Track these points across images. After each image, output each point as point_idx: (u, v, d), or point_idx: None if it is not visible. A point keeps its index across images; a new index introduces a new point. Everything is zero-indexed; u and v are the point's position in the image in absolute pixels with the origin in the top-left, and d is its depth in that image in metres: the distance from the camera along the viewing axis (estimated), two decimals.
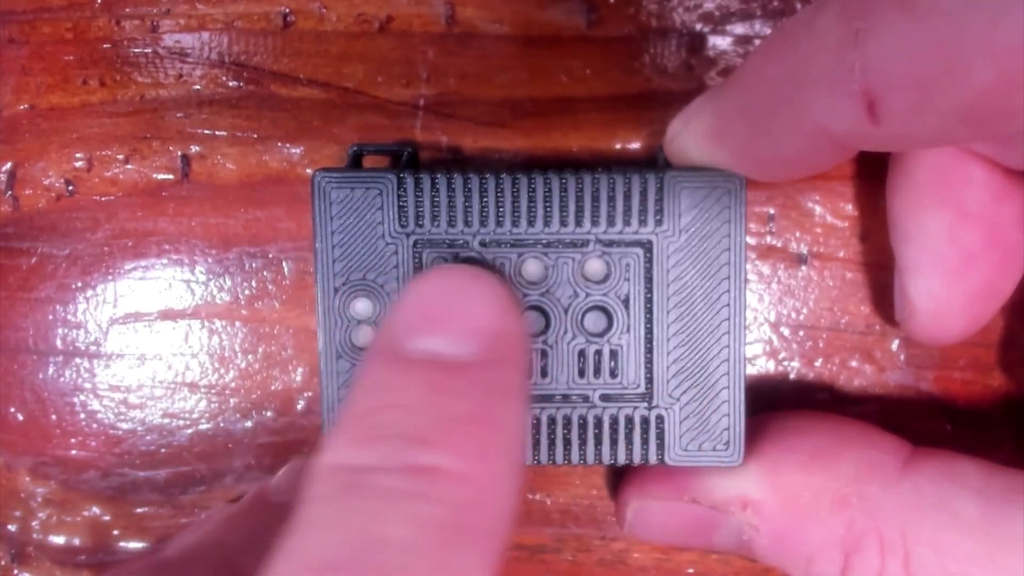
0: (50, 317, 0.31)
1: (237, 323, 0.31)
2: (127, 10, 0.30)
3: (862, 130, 0.20)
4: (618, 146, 0.30)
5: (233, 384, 0.31)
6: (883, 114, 0.19)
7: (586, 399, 0.26)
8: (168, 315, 0.31)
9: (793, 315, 0.30)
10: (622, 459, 0.27)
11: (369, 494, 0.21)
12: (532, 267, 0.26)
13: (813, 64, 0.20)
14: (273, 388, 0.31)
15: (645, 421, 0.26)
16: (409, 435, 0.21)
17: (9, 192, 0.31)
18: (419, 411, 0.22)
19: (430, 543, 0.20)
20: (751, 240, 0.30)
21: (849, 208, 0.30)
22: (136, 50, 0.30)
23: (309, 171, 0.30)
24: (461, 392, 0.22)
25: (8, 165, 0.31)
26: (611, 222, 0.26)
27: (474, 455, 0.22)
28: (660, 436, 0.26)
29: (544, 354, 0.26)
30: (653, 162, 0.29)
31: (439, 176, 0.26)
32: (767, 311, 0.30)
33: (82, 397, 0.31)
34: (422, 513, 0.20)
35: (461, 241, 0.26)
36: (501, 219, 0.26)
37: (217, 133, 0.30)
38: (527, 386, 0.25)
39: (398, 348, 0.23)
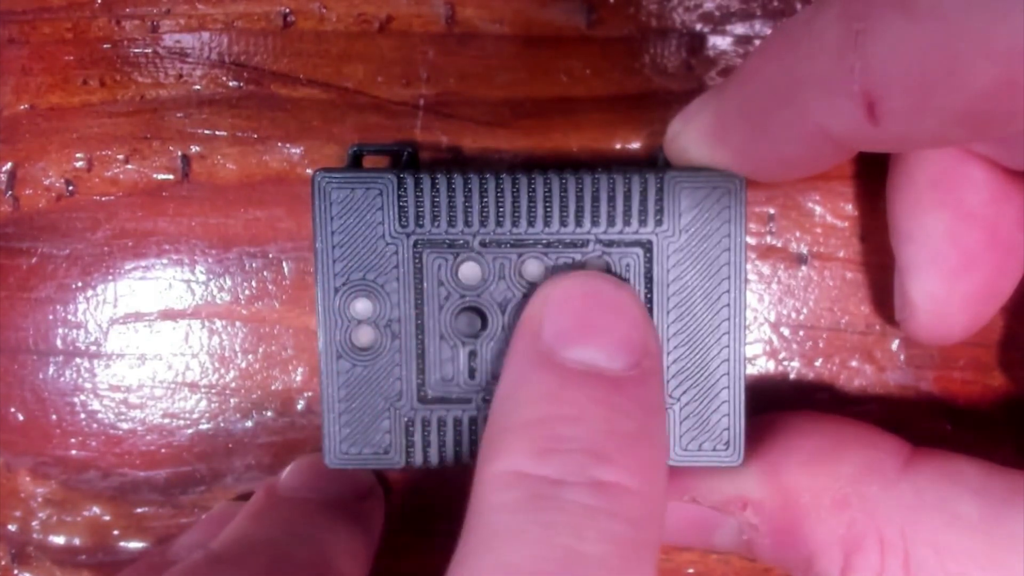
0: (50, 317, 0.31)
1: (237, 323, 0.31)
2: (127, 10, 0.30)
3: (862, 131, 0.20)
4: (618, 146, 0.30)
5: (233, 384, 0.31)
6: (883, 115, 0.19)
7: None
8: (168, 315, 0.31)
9: (793, 315, 0.30)
10: None
11: (563, 508, 0.22)
12: (532, 267, 0.26)
13: (813, 65, 0.20)
14: (273, 388, 0.31)
15: None
16: (589, 450, 0.22)
17: (9, 192, 0.31)
18: (592, 425, 0.23)
19: (620, 558, 0.21)
20: (751, 240, 0.30)
21: (849, 208, 0.30)
22: (136, 50, 0.30)
23: (309, 171, 0.30)
24: (626, 408, 0.23)
25: (8, 165, 0.31)
26: (611, 222, 0.26)
27: (644, 471, 0.23)
28: None
29: None
30: (653, 162, 0.29)
31: (439, 176, 0.26)
32: (767, 311, 0.30)
33: (82, 397, 0.31)
34: (613, 530, 0.21)
35: (461, 241, 0.26)
36: (501, 219, 0.26)
37: (217, 133, 0.30)
38: (664, 396, 0.26)
39: (554, 355, 0.24)
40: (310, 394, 0.31)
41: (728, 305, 0.26)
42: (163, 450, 0.31)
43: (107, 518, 0.32)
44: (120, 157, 0.31)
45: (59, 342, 0.31)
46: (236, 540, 0.27)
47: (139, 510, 0.32)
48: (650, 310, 0.26)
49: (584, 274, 0.26)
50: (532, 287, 0.26)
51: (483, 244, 0.26)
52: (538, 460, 0.22)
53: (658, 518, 0.23)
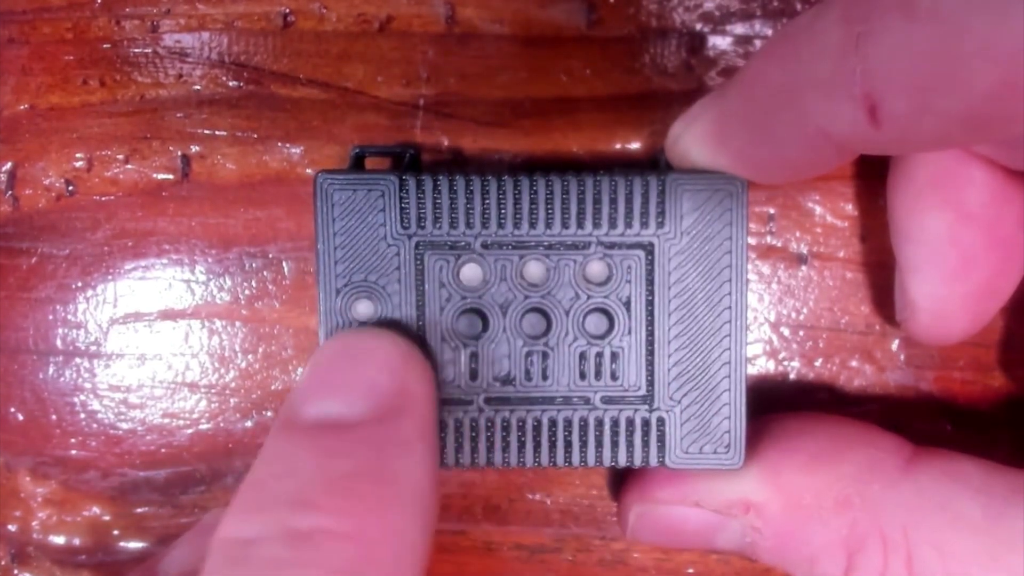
0: (50, 317, 0.31)
1: (237, 323, 0.31)
2: (127, 10, 0.30)
3: (863, 134, 0.20)
4: (618, 146, 0.30)
5: (233, 384, 0.31)
6: (884, 118, 0.19)
7: (587, 401, 0.26)
8: (168, 315, 0.31)
9: (793, 315, 0.30)
10: (623, 462, 0.27)
11: (251, 566, 0.20)
12: (533, 269, 0.26)
13: (814, 68, 0.20)
14: (273, 388, 0.31)
15: (646, 424, 0.26)
16: (292, 500, 0.21)
17: (9, 192, 0.31)
18: (303, 475, 0.22)
19: None
20: (751, 240, 0.30)
21: (849, 208, 0.30)
22: (136, 50, 0.30)
23: (309, 171, 0.30)
24: (348, 451, 0.22)
25: (8, 165, 0.31)
26: (613, 224, 0.26)
27: (360, 512, 0.21)
28: (661, 439, 0.26)
29: (545, 356, 0.26)
30: (654, 163, 0.29)
31: (441, 178, 0.26)
32: (767, 311, 0.30)
33: (82, 397, 0.31)
34: None
35: (463, 243, 0.26)
36: (503, 221, 0.26)
37: (217, 133, 0.30)
38: (431, 438, 0.25)
39: (293, 417, 0.23)
40: None
41: (729, 308, 0.26)
42: (163, 450, 0.31)
43: (107, 518, 0.32)
44: (120, 157, 0.31)
45: (59, 342, 0.31)
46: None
47: (139, 510, 0.32)
48: (651, 312, 0.26)
49: (342, 332, 0.26)
50: (533, 289, 0.26)
51: (485, 246, 0.26)
52: (240, 522, 0.21)
53: (393, 558, 0.22)
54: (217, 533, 0.22)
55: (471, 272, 0.26)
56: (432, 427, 0.25)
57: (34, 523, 0.32)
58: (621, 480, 0.30)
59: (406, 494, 0.23)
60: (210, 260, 0.31)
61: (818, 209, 0.30)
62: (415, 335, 0.26)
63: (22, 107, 0.31)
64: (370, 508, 0.22)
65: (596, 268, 0.26)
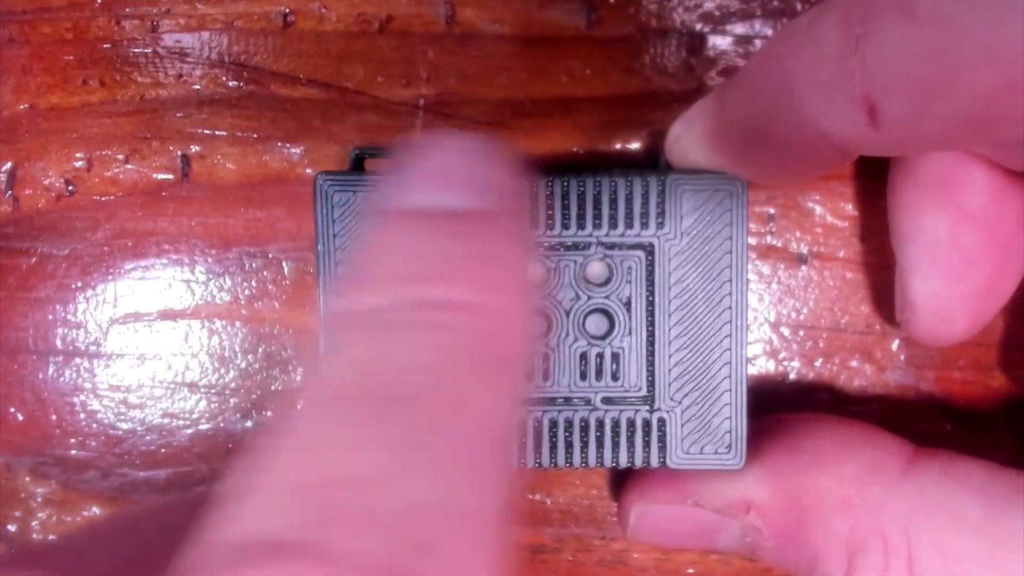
0: (50, 317, 0.31)
1: (237, 323, 0.31)
2: (127, 10, 0.30)
3: (862, 136, 0.20)
4: (618, 146, 0.30)
5: (233, 384, 0.31)
6: (883, 120, 0.19)
7: (588, 402, 0.26)
8: (168, 315, 0.31)
9: (793, 315, 0.30)
10: (624, 462, 0.27)
11: (381, 328, 0.20)
12: (534, 270, 0.26)
13: (813, 69, 0.20)
14: (273, 388, 0.31)
15: (647, 424, 0.26)
16: (416, 275, 0.21)
17: (9, 192, 0.31)
18: (423, 255, 0.21)
19: (453, 367, 0.20)
20: (751, 240, 0.30)
21: (849, 208, 0.30)
22: (136, 50, 0.30)
23: (309, 171, 0.30)
24: (465, 234, 0.22)
25: (8, 165, 0.31)
26: (613, 225, 0.26)
27: (484, 288, 0.21)
28: (662, 439, 0.26)
29: (546, 357, 0.26)
30: (654, 163, 0.29)
31: None
32: (767, 311, 0.30)
33: (82, 397, 0.31)
34: (447, 340, 0.20)
35: None
36: None
37: (217, 133, 0.30)
38: (529, 237, 0.24)
39: (396, 206, 0.22)
40: None
41: (730, 308, 0.26)
42: (163, 450, 0.31)
43: None
44: (120, 157, 0.31)
45: (59, 342, 0.31)
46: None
47: None
48: (652, 313, 0.26)
49: (442, 136, 0.24)
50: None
51: None
52: (359, 296, 0.21)
53: (514, 336, 0.21)
54: (329, 308, 0.22)
55: None
56: (528, 228, 0.25)
57: (34, 523, 0.32)
58: (621, 480, 0.30)
59: (519, 279, 0.22)
60: (210, 260, 0.31)
61: (818, 209, 0.30)
62: None
63: (22, 107, 0.31)
64: (491, 286, 0.21)
65: (596, 269, 0.26)
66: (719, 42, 0.30)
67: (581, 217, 0.26)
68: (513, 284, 0.22)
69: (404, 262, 0.21)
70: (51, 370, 0.31)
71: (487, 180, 0.22)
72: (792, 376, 0.31)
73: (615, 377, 0.26)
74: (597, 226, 0.26)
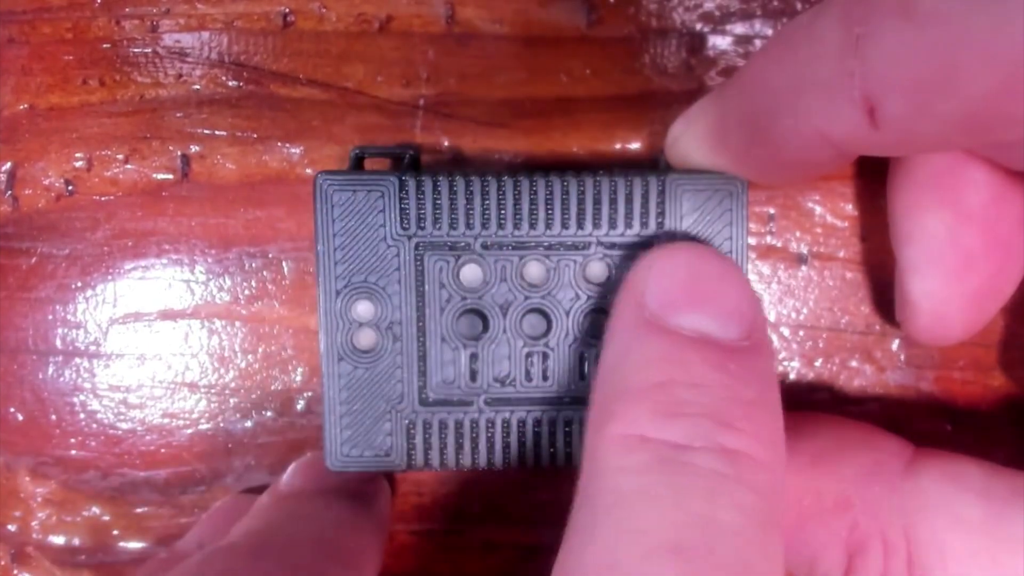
0: (50, 317, 0.31)
1: (237, 323, 0.31)
2: (127, 10, 0.30)
3: (862, 135, 0.20)
4: (618, 146, 0.30)
5: (233, 384, 0.31)
6: (883, 120, 0.19)
7: (587, 402, 0.26)
8: (168, 315, 0.31)
9: (793, 315, 0.30)
10: None
11: (694, 474, 0.21)
12: (534, 269, 0.26)
13: (813, 69, 0.20)
14: (273, 388, 0.31)
15: None
16: (713, 415, 0.22)
17: (9, 192, 0.31)
18: (714, 392, 0.22)
19: (752, 529, 0.21)
20: (751, 240, 0.30)
21: (849, 208, 0.30)
22: (136, 50, 0.30)
23: (309, 171, 0.30)
24: (743, 377, 0.23)
25: (8, 165, 0.31)
26: (613, 224, 0.26)
27: (768, 441, 0.22)
28: None
29: (545, 357, 0.26)
30: (654, 163, 0.29)
31: (440, 178, 0.26)
32: (767, 311, 0.30)
33: (82, 397, 0.31)
34: (745, 500, 0.21)
35: (463, 243, 0.26)
36: (503, 221, 0.26)
37: (217, 133, 0.30)
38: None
39: (664, 322, 0.23)
40: (310, 394, 0.31)
41: None
42: (163, 450, 0.31)
43: (107, 518, 0.32)
44: (120, 157, 0.31)
45: (59, 342, 0.31)
46: (246, 533, 0.27)
47: (139, 510, 0.32)
48: None
49: (689, 244, 0.25)
50: (533, 289, 0.26)
51: (484, 246, 0.26)
52: (662, 423, 0.21)
53: (782, 493, 0.23)
54: (620, 426, 0.22)
55: (471, 273, 0.26)
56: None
57: (34, 523, 0.32)
58: None
59: (782, 428, 0.23)
60: (210, 260, 0.31)
61: (818, 209, 0.30)
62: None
63: (22, 107, 0.31)
64: (772, 439, 0.22)
65: (596, 268, 0.26)
66: (719, 42, 0.30)
67: (581, 217, 0.26)
68: (781, 437, 0.23)
69: (696, 394, 0.22)
70: (51, 370, 0.31)
71: (742, 306, 0.24)
72: (792, 376, 0.31)
73: None
74: (597, 226, 0.26)
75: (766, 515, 0.21)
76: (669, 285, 0.24)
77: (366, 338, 0.26)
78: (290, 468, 0.30)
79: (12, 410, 0.31)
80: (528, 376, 0.26)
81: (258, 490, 0.31)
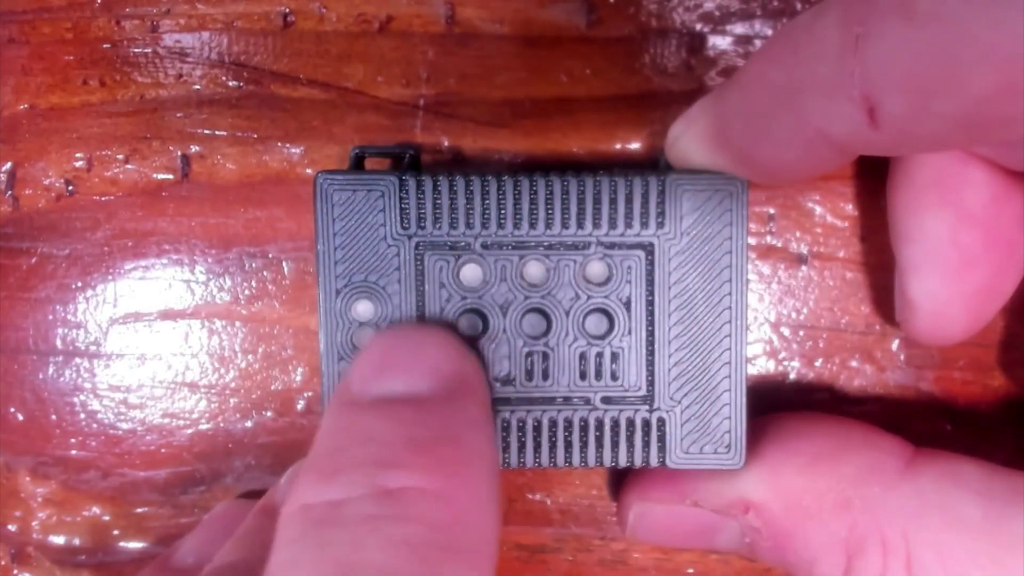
0: (50, 317, 0.31)
1: (237, 323, 0.31)
2: (127, 10, 0.30)
3: (862, 135, 0.20)
4: (618, 146, 0.30)
5: (233, 384, 0.31)
6: (883, 119, 0.19)
7: (587, 401, 0.26)
8: (168, 315, 0.31)
9: (793, 315, 0.30)
10: (623, 462, 0.27)
11: (342, 525, 0.20)
12: (534, 269, 0.26)
13: (813, 69, 0.20)
14: (273, 388, 0.31)
15: (646, 424, 0.26)
16: (377, 462, 0.21)
17: (9, 192, 0.31)
18: (383, 439, 0.22)
19: (412, 563, 0.20)
20: (751, 240, 0.30)
21: (849, 208, 0.30)
22: (136, 50, 0.30)
23: (309, 171, 0.30)
24: (423, 421, 0.23)
25: (8, 165, 0.31)
26: (613, 224, 0.26)
27: (446, 473, 0.22)
28: (661, 439, 0.26)
29: (545, 356, 0.26)
30: (654, 163, 0.29)
31: (441, 178, 0.26)
32: (767, 311, 0.30)
33: (82, 397, 0.31)
34: (399, 534, 0.20)
35: (463, 243, 0.26)
36: (503, 221, 0.26)
37: (217, 133, 0.30)
38: (492, 424, 0.25)
39: (353, 398, 0.24)
40: (310, 394, 0.31)
41: (729, 308, 0.26)
42: (163, 450, 0.31)
43: (107, 518, 0.32)
44: (120, 157, 0.31)
45: (59, 342, 0.31)
46: (219, 570, 0.27)
47: (139, 510, 0.32)
48: (651, 312, 0.26)
49: (395, 325, 0.26)
50: (533, 289, 0.26)
51: (484, 246, 0.26)
52: (322, 487, 0.21)
53: (478, 522, 0.22)
54: (290, 504, 0.22)
55: (471, 272, 0.26)
56: (491, 412, 0.25)
57: (34, 523, 0.32)
58: (621, 480, 0.30)
59: (482, 463, 0.23)
60: (210, 260, 0.31)
61: (818, 209, 0.30)
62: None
63: (22, 107, 0.31)
64: (454, 471, 0.22)
65: (596, 268, 0.26)
66: (719, 42, 0.30)
67: (581, 217, 0.26)
68: (477, 470, 0.22)
69: (362, 449, 0.22)
70: (51, 370, 0.31)
71: (437, 363, 0.24)
72: (792, 376, 0.31)
73: (615, 377, 0.26)
74: (597, 226, 0.26)
75: (440, 545, 0.21)
76: (365, 365, 0.24)
77: (366, 338, 0.26)
78: (286, 476, 0.30)
79: (12, 410, 0.32)
80: (528, 376, 0.26)
81: (257, 494, 0.31)
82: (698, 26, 0.30)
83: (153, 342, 0.31)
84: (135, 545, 0.32)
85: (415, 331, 0.25)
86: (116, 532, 0.32)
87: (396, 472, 0.21)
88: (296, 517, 0.21)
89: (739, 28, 0.30)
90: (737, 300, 0.26)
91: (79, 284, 0.31)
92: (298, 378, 0.31)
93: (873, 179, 0.30)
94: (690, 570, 0.31)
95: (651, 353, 0.26)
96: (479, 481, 0.22)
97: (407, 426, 0.22)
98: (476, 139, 0.30)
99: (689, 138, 0.25)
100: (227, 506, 0.31)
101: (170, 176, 0.30)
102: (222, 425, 0.31)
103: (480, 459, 0.23)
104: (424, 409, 0.23)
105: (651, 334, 0.26)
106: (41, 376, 0.31)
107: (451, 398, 0.24)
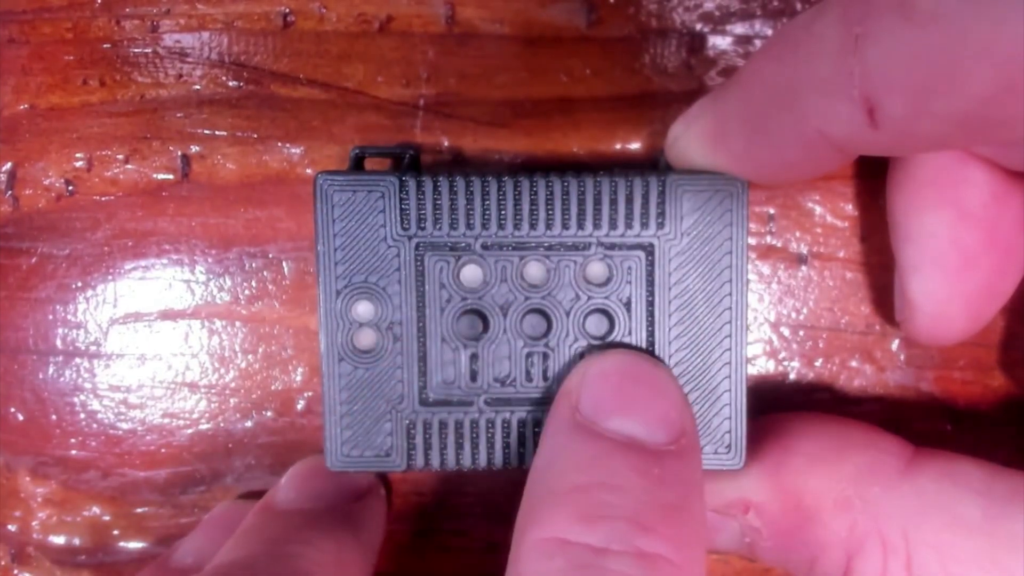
0: (50, 317, 0.31)
1: (237, 323, 0.31)
2: (127, 10, 0.30)
3: (862, 135, 0.20)
4: (618, 146, 0.30)
5: (233, 384, 0.31)
6: (883, 119, 0.19)
7: None
8: (168, 315, 0.31)
9: (793, 315, 0.30)
10: None
11: (603, 574, 0.21)
12: (534, 270, 0.26)
13: (813, 69, 0.20)
14: (273, 388, 0.31)
15: None
16: (632, 519, 0.22)
17: (9, 192, 0.31)
18: (635, 495, 0.23)
19: None
20: (751, 240, 0.30)
21: (849, 208, 0.30)
22: (136, 50, 0.30)
23: (309, 171, 0.30)
24: (666, 481, 0.23)
25: (8, 165, 0.31)
26: (613, 225, 0.26)
27: (684, 545, 0.23)
28: None
29: (546, 357, 0.26)
30: (654, 163, 0.29)
31: (441, 178, 0.26)
32: (767, 311, 0.30)
33: (82, 397, 0.31)
34: None
35: (463, 244, 0.26)
36: (503, 222, 0.26)
37: (217, 133, 0.30)
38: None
39: (593, 426, 0.24)
40: (310, 394, 0.31)
41: (730, 308, 0.26)
42: (163, 450, 0.31)
43: (107, 518, 0.32)
44: (120, 157, 0.31)
45: (59, 342, 0.31)
46: (218, 568, 0.27)
47: (139, 510, 0.32)
48: (652, 313, 0.26)
49: (623, 352, 0.26)
50: (534, 290, 0.26)
51: (485, 247, 0.26)
52: (581, 527, 0.22)
53: None
54: (542, 529, 0.23)
55: (471, 273, 0.26)
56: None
57: (34, 523, 0.32)
58: None
59: (703, 533, 0.24)
60: (210, 260, 0.31)
61: (818, 209, 0.30)
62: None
63: (22, 107, 0.31)
64: (688, 543, 0.23)
65: (596, 269, 0.26)
66: (719, 42, 0.30)
67: (581, 217, 0.26)
68: (701, 540, 0.24)
69: (617, 498, 0.23)
70: (51, 370, 0.31)
71: (670, 412, 0.25)
72: (792, 376, 0.31)
73: None
74: (597, 226, 0.26)
75: None
76: (600, 390, 0.25)
77: (366, 338, 0.26)
78: (286, 476, 0.30)
79: (12, 410, 0.32)
80: (528, 376, 0.26)
81: (257, 494, 0.31)
82: (698, 26, 0.30)
83: (153, 342, 0.31)
84: (135, 545, 0.32)
85: (651, 369, 0.26)
86: (116, 532, 0.32)
87: (651, 538, 0.22)
88: (555, 550, 0.22)
89: (739, 28, 0.30)
90: (737, 300, 0.26)
91: (79, 284, 0.31)
92: (298, 378, 0.31)
93: (873, 179, 0.30)
94: None
95: (651, 353, 0.26)
96: (702, 552, 0.24)
97: (656, 484, 0.23)
98: (476, 139, 0.30)
99: (689, 138, 0.25)
100: (227, 507, 0.31)
101: (170, 176, 0.30)
102: (222, 425, 0.31)
103: (703, 528, 0.24)
104: (664, 465, 0.24)
105: (651, 334, 0.26)
106: (41, 376, 0.31)
107: (682, 455, 0.24)
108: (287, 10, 0.30)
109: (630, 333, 0.26)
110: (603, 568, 0.21)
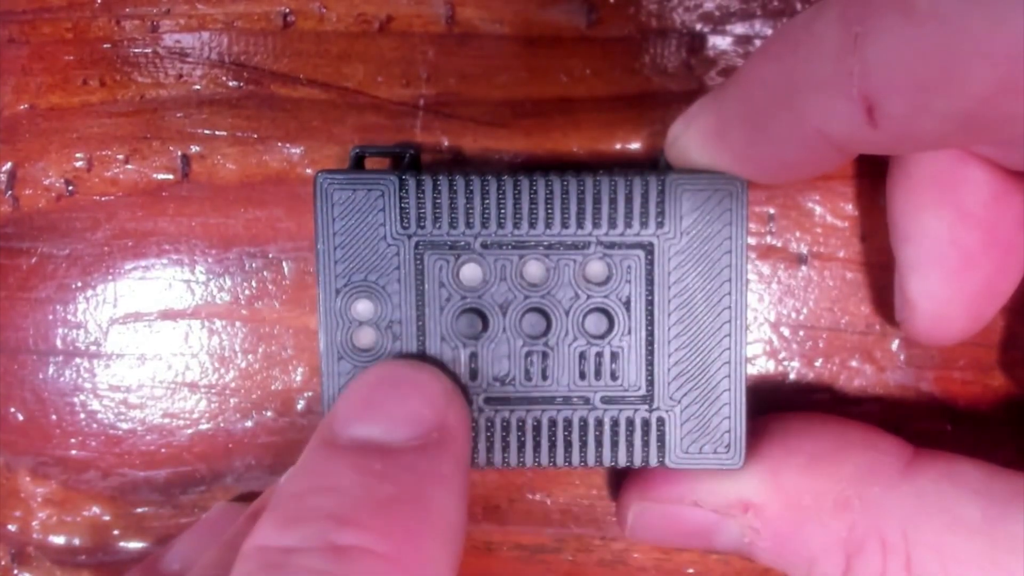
0: (50, 317, 0.31)
1: (237, 323, 0.31)
2: (127, 10, 0.30)
3: (861, 134, 0.20)
4: (618, 146, 0.30)
5: (233, 384, 0.31)
6: (882, 118, 0.19)
7: (587, 401, 0.26)
8: (168, 315, 0.31)
9: (793, 315, 0.30)
10: (623, 461, 0.27)
11: (288, 574, 0.21)
12: (533, 269, 0.26)
13: (812, 68, 0.20)
14: (273, 388, 0.31)
15: (646, 423, 0.26)
16: (334, 516, 0.22)
17: (9, 192, 0.31)
18: (344, 493, 0.22)
19: None
20: (751, 240, 0.30)
21: (849, 208, 0.30)
22: (136, 50, 0.30)
23: (309, 171, 0.30)
24: (390, 475, 0.23)
25: (8, 165, 0.31)
26: (612, 224, 0.26)
27: (400, 536, 0.22)
28: (661, 439, 0.26)
29: (545, 356, 0.26)
30: (654, 163, 0.29)
31: (441, 177, 0.26)
32: (767, 311, 0.30)
33: (82, 397, 0.31)
34: None
35: (463, 243, 0.26)
36: (503, 221, 0.26)
37: (217, 133, 0.30)
38: (465, 477, 0.25)
39: (333, 436, 0.24)
40: (310, 394, 0.31)
41: (729, 308, 0.26)
42: (163, 450, 0.31)
43: (107, 518, 0.32)
44: (120, 157, 0.31)
45: (59, 342, 0.31)
46: (201, 573, 0.27)
47: (139, 510, 0.32)
48: (651, 312, 0.26)
49: (382, 362, 0.26)
50: (533, 289, 0.26)
51: (484, 246, 0.26)
52: (280, 532, 0.22)
53: None
54: (251, 540, 0.22)
55: (471, 272, 0.26)
56: (467, 464, 0.25)
57: (34, 523, 0.32)
58: (621, 480, 0.30)
59: (442, 525, 0.23)
60: (210, 260, 0.31)
61: (818, 209, 0.30)
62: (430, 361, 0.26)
63: (22, 107, 0.31)
64: (409, 533, 0.22)
65: (596, 268, 0.26)
66: (719, 42, 0.30)
67: (581, 216, 0.26)
68: (435, 532, 0.23)
69: (323, 499, 0.22)
70: (51, 370, 0.31)
71: (419, 409, 0.24)
72: (792, 376, 0.31)
73: (614, 376, 0.26)
74: (597, 225, 0.26)
75: None
76: (349, 402, 0.25)
77: (366, 337, 0.26)
78: (285, 476, 0.30)
79: (12, 410, 0.32)
80: (528, 375, 0.26)
81: (257, 494, 0.31)
82: (698, 26, 0.30)
83: (153, 342, 0.31)
84: (135, 545, 0.32)
85: (404, 370, 0.25)
86: (116, 532, 0.32)
87: (349, 530, 0.21)
88: (252, 556, 0.22)
89: (739, 28, 0.30)
90: (737, 300, 0.26)
91: (79, 284, 0.31)
92: (298, 378, 0.31)
93: (873, 179, 0.30)
94: (690, 570, 0.31)
95: (651, 353, 0.26)
96: (436, 545, 0.23)
97: (373, 479, 0.23)
98: (476, 139, 0.30)
99: (689, 137, 0.25)
100: (221, 509, 0.31)
101: (170, 176, 0.30)
102: (222, 425, 0.31)
103: (441, 521, 0.23)
104: (394, 462, 0.23)
105: (651, 334, 0.26)
106: (41, 376, 0.31)
107: (426, 450, 0.24)
108: (287, 10, 0.30)
109: (629, 332, 0.26)
110: (287, 566, 0.21)
